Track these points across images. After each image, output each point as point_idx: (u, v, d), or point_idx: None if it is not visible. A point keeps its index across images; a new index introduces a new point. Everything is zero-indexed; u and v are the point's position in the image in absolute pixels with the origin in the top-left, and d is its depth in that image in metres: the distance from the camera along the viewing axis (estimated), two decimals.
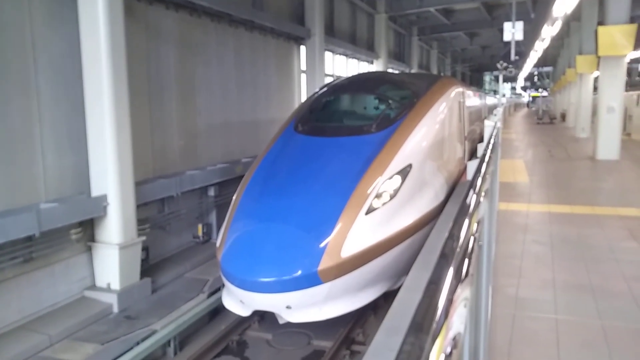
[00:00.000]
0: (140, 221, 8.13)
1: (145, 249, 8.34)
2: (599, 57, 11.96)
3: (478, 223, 1.71)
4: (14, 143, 6.61)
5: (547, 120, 28.90)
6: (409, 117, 6.46)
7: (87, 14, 7.13)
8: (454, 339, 0.89)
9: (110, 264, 7.49)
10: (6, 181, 6.50)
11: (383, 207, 5.37)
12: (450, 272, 1.07)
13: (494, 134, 5.57)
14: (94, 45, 7.16)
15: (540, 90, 67.49)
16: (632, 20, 11.13)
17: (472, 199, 1.82)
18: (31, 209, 6.47)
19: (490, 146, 4.06)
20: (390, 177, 5.61)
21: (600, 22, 12.26)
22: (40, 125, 6.96)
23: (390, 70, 24.13)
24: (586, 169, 10.94)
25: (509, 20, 20.04)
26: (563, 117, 27.99)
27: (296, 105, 14.69)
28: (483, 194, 2.12)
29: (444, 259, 1.14)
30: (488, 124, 6.73)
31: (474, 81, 60.72)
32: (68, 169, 7.40)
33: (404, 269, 5.49)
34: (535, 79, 66.05)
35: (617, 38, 10.98)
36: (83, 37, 7.21)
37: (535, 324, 3.48)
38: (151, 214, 8.98)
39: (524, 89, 77.47)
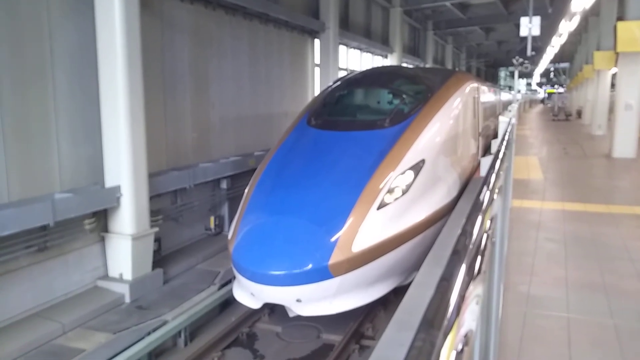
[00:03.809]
0: (153, 212, 8.19)
1: (157, 240, 8.41)
2: (617, 53, 11.78)
3: (491, 220, 1.69)
4: (30, 133, 6.69)
5: (562, 117, 28.60)
6: (422, 112, 6.42)
7: (103, 5, 7.17)
8: (466, 336, 0.88)
9: (123, 255, 7.56)
10: (22, 171, 6.58)
11: (395, 203, 5.35)
12: (463, 268, 1.06)
13: (509, 130, 5.51)
14: (110, 37, 7.20)
15: (556, 86, 66.70)
16: None
17: (485, 195, 1.80)
18: (46, 199, 6.54)
19: (505, 142, 4.02)
20: (403, 172, 5.58)
21: (620, 18, 12.05)
22: (56, 116, 7.03)
23: (404, 65, 23.98)
24: (602, 166, 10.81)
25: (525, 15, 19.76)
26: (579, 114, 27.67)
27: (309, 98, 14.67)
28: (497, 190, 2.10)
29: (457, 255, 1.13)
30: (503, 120, 6.67)
31: (489, 76, 60.13)
32: (82, 160, 7.46)
33: (415, 264, 5.47)
34: (552, 75, 65.17)
35: (636, 34, 10.80)
36: (99, 28, 7.26)
37: (546, 322, 3.45)
38: (164, 205, 9.04)
39: (540, 85, 76.68)
